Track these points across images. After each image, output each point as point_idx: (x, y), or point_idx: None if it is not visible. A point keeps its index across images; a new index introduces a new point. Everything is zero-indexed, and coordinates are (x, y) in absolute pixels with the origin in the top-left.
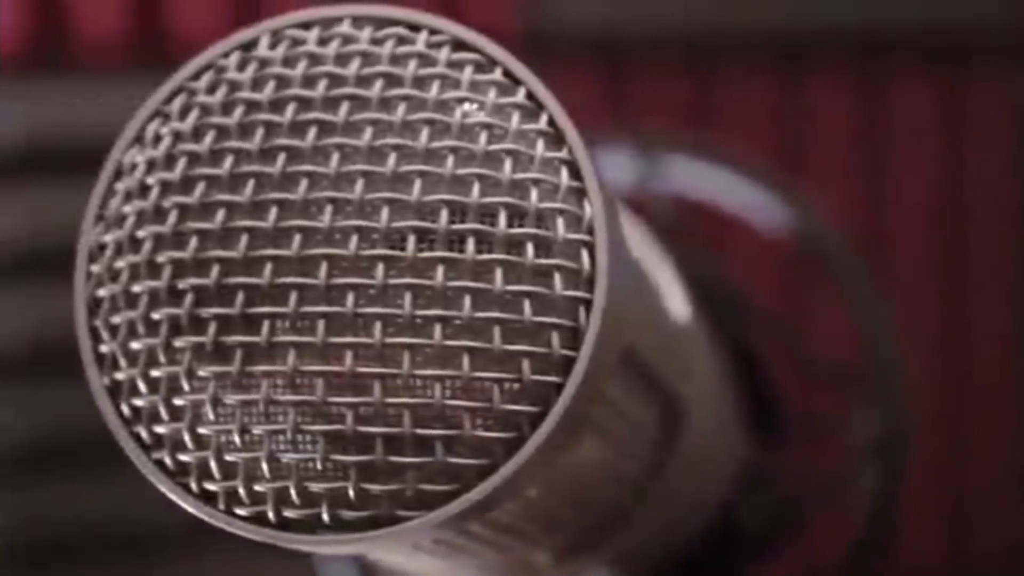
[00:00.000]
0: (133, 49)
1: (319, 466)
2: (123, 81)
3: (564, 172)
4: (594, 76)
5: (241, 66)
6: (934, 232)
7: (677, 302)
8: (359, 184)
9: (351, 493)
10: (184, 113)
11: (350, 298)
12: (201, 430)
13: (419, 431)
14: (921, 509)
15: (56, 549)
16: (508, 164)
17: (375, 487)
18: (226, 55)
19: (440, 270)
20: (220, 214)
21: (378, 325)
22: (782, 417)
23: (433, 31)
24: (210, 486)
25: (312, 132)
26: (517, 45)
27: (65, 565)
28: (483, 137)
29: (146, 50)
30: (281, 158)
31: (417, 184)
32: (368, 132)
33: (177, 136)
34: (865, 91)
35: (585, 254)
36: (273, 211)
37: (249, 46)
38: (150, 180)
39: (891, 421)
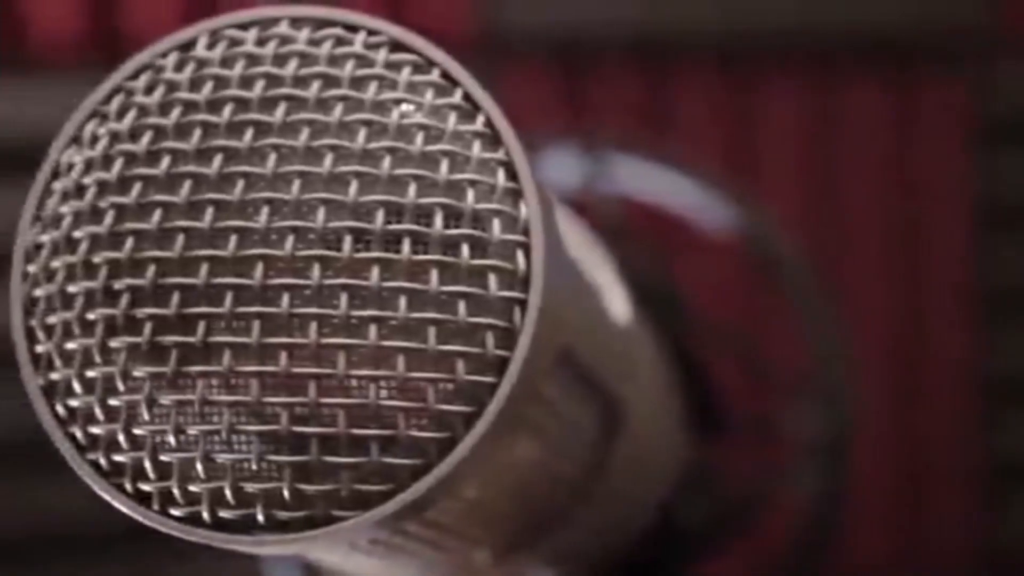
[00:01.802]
0: (87, 48)
1: (254, 466)
2: (77, 80)
3: (501, 173)
4: (549, 77)
5: (179, 66)
6: (885, 233)
7: (618, 303)
8: (296, 185)
9: (286, 493)
10: (122, 113)
11: (285, 298)
12: (136, 430)
13: (354, 431)
14: (872, 509)
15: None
16: (444, 165)
17: (310, 487)
18: (164, 55)
19: (375, 271)
20: (157, 214)
21: (313, 325)
22: (725, 418)
23: (371, 32)
24: (145, 486)
25: (249, 133)
26: (472, 46)
27: (11, 565)
28: (420, 138)
29: (100, 49)
30: (218, 159)
31: (353, 185)
32: (305, 133)
33: (114, 136)
34: (816, 93)
35: (521, 255)
36: (209, 211)
37: (187, 46)
38: (87, 180)
39: (833, 421)
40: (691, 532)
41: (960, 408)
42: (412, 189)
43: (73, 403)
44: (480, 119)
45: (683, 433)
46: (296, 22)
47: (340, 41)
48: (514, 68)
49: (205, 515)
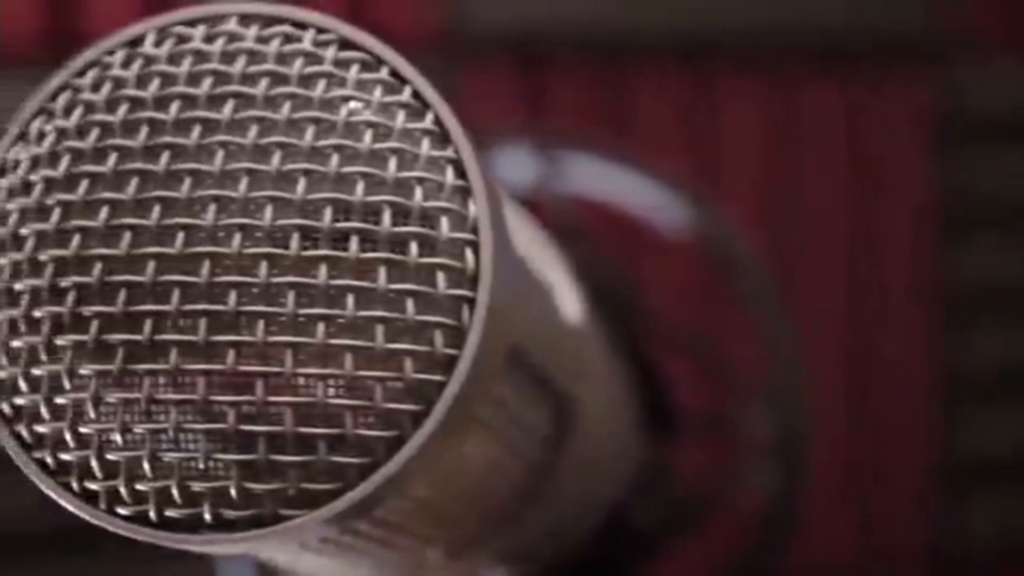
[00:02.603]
0: (45, 46)
1: (201, 465)
2: (35, 78)
3: (450, 171)
4: (509, 75)
5: (126, 63)
6: (845, 233)
7: (570, 303)
8: (243, 182)
9: (233, 492)
10: (68, 110)
11: (232, 297)
12: (82, 429)
13: (301, 430)
14: (830, 508)
15: None
16: (393, 163)
17: (257, 486)
18: (111, 52)
19: (323, 269)
20: (103, 212)
21: (260, 324)
22: (679, 418)
23: (320, 30)
24: (91, 485)
25: (196, 130)
26: (432, 45)
27: None
28: (368, 136)
29: (60, 48)
30: (165, 156)
31: (301, 182)
32: (253, 130)
33: (61, 133)
34: (776, 93)
35: (470, 253)
36: (156, 209)
37: (135, 43)
38: (33, 177)
39: (789, 421)
40: (645, 531)
41: (919, 407)
42: (360, 187)
43: (19, 401)
44: (429, 117)
45: (637, 433)
46: (245, 19)
47: (289, 38)
48: (474, 66)
49: (152, 514)
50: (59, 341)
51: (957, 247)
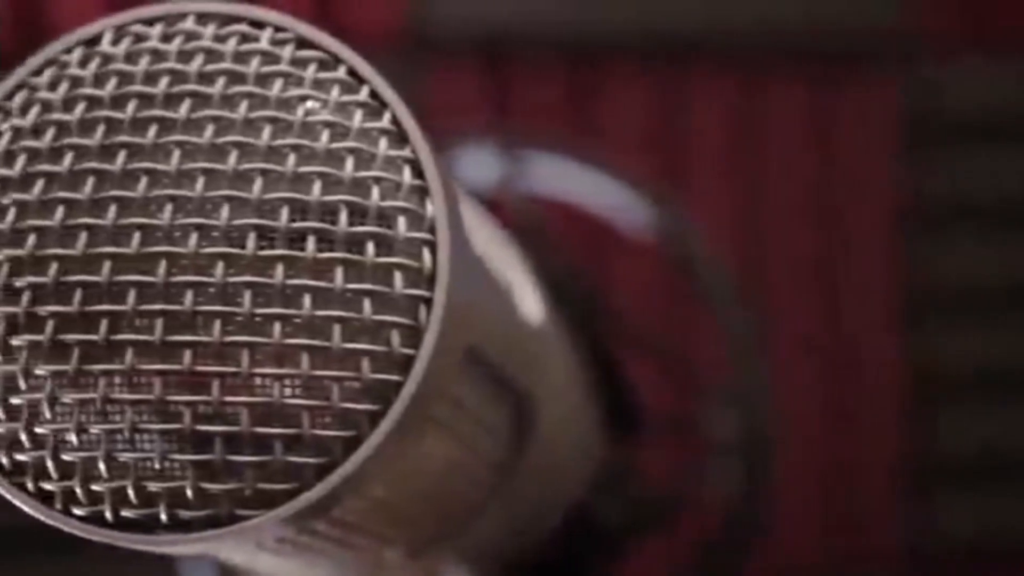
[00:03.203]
0: (9, 43)
1: (157, 465)
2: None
3: (407, 171)
4: (477, 75)
5: (83, 62)
6: (812, 233)
7: (530, 303)
8: (200, 182)
9: (189, 492)
10: (25, 109)
11: (189, 296)
12: (38, 429)
13: (257, 430)
14: (801, 508)
15: None
16: (350, 162)
17: (213, 486)
18: (68, 51)
19: (280, 268)
20: (59, 211)
21: (217, 324)
22: (643, 418)
23: (278, 29)
24: (47, 486)
25: (153, 129)
26: (400, 44)
27: None
28: (325, 135)
29: (22, 44)
30: (121, 155)
31: (258, 182)
32: (209, 129)
33: (17, 132)
34: (743, 93)
35: (427, 253)
36: (113, 208)
37: (92, 42)
38: None
39: (752, 421)
40: (608, 531)
41: (890, 407)
42: (317, 187)
43: None
44: (387, 116)
45: (600, 433)
46: (202, 18)
47: (246, 38)
48: (441, 66)
49: (108, 515)
50: (14, 341)
51: (926, 247)
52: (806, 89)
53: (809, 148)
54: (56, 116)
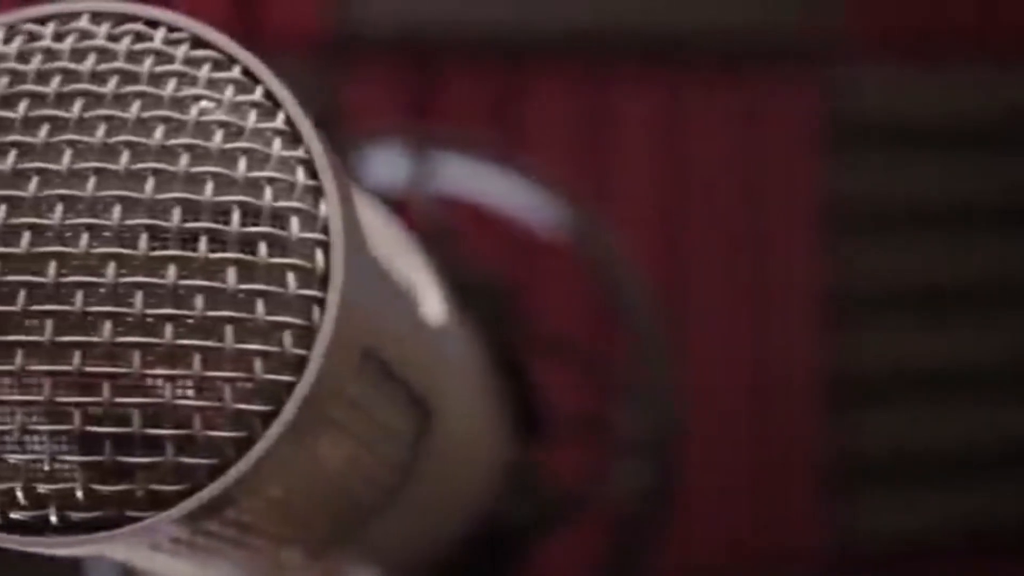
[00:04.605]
0: None
1: (47, 467)
2: None
3: (300, 171)
4: (400, 77)
5: None
6: (735, 234)
7: (433, 305)
8: (91, 181)
9: (79, 494)
10: None
11: (79, 297)
12: None
13: (148, 431)
14: (722, 508)
15: None
16: (243, 162)
17: (104, 488)
18: None
19: (172, 269)
20: None
21: (107, 324)
22: (553, 418)
23: (172, 28)
24: None
25: (44, 128)
26: (322, 45)
27: None
28: (219, 135)
29: None
30: (12, 155)
31: (150, 182)
32: (102, 129)
33: None
34: (668, 94)
35: (320, 253)
36: (2, 208)
37: None
38: None
39: (658, 421)
40: (517, 533)
41: (809, 407)
42: (210, 187)
43: None
44: (280, 117)
45: (507, 434)
46: (96, 17)
47: (140, 37)
48: (363, 66)
49: None
50: None
51: (847, 248)
52: (728, 90)
53: (731, 149)
54: None
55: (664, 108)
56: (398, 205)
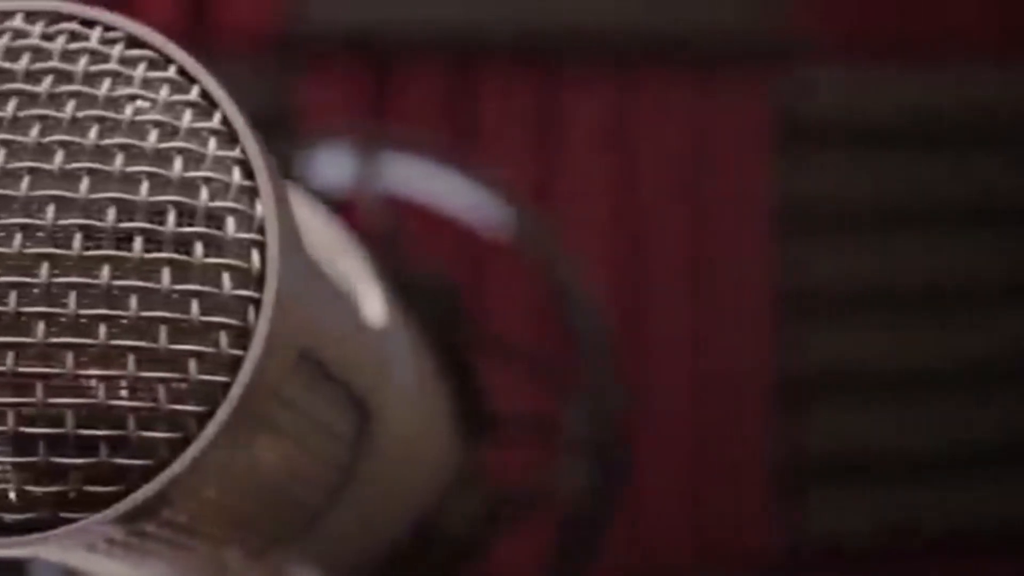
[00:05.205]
0: None
1: None
2: None
3: (236, 171)
4: (353, 77)
5: None
6: (686, 234)
7: (375, 306)
8: (25, 181)
9: (12, 495)
10: None
11: (13, 297)
12: None
13: (82, 432)
14: (672, 507)
15: None
16: (178, 162)
17: (37, 489)
18: None
19: (106, 269)
20: None
21: (41, 325)
22: (499, 418)
23: (108, 28)
24: None
25: None
26: (276, 45)
27: None
28: (154, 135)
29: None
30: None
31: (85, 181)
32: (36, 129)
33: None
34: (620, 94)
35: (256, 253)
36: None
37: None
38: None
39: (603, 420)
40: (459, 535)
41: (760, 408)
42: (145, 187)
43: None
44: (217, 116)
45: (452, 435)
46: (30, 16)
47: (75, 36)
48: (317, 66)
49: None
50: None
51: (798, 247)
52: (680, 90)
53: (683, 148)
54: None
55: (616, 108)
56: (344, 205)
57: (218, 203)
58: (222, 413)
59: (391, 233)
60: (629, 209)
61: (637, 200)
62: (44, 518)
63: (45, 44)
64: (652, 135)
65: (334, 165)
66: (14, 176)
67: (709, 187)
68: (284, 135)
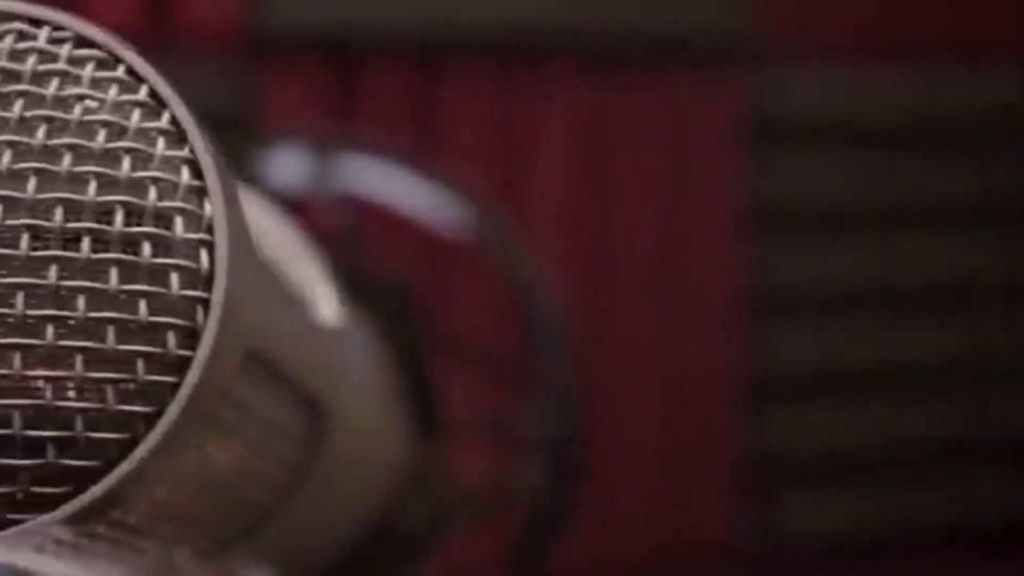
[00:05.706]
0: None
1: None
2: None
3: (185, 171)
4: (317, 77)
5: None
6: (655, 234)
7: (327, 306)
8: None
9: None
10: None
11: None
12: None
13: (30, 432)
14: (636, 507)
15: None
16: (127, 162)
17: None
18: None
19: (54, 269)
20: None
21: None
22: (451, 419)
23: (56, 27)
24: None
25: None
26: (240, 44)
27: None
28: (102, 135)
29: None
30: None
31: (32, 181)
32: None
33: None
34: (589, 96)
35: (204, 253)
36: None
37: None
38: None
39: (560, 420)
40: (412, 535)
41: (728, 407)
42: (92, 187)
43: None
44: (165, 116)
45: (407, 435)
46: None
47: (23, 36)
48: (280, 66)
49: None
50: None
51: (766, 248)
52: (650, 90)
53: (652, 149)
54: None
55: (585, 108)
56: (301, 205)
57: (166, 203)
58: (171, 414)
59: (348, 233)
60: (597, 209)
61: (605, 201)
62: None
63: None
64: (621, 136)
65: (291, 165)
66: None
67: (678, 187)
68: (246, 135)
